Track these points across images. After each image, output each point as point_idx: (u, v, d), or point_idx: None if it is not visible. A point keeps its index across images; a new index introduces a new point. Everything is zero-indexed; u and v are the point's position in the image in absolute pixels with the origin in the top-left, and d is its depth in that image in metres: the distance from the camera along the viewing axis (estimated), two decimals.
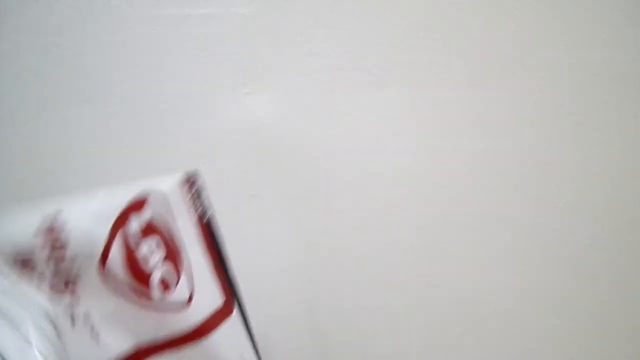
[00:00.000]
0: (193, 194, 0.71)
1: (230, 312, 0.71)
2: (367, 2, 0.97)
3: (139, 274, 0.64)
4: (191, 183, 0.71)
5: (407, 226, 0.99)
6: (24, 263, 0.62)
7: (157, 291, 0.64)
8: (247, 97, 0.99)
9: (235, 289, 0.74)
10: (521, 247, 0.99)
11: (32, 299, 0.62)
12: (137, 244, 0.64)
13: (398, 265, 1.00)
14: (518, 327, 1.00)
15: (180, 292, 0.66)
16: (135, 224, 0.65)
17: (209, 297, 0.69)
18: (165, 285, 0.65)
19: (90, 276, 0.63)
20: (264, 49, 0.98)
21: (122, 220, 0.64)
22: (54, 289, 0.63)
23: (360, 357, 1.01)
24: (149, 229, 0.66)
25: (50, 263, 0.62)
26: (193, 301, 0.67)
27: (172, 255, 0.67)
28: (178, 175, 0.70)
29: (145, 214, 0.66)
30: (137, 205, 0.66)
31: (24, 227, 0.62)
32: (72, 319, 0.63)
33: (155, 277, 0.64)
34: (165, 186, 0.69)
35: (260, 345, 0.72)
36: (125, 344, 0.66)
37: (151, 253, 0.65)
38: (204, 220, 0.71)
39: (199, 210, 0.71)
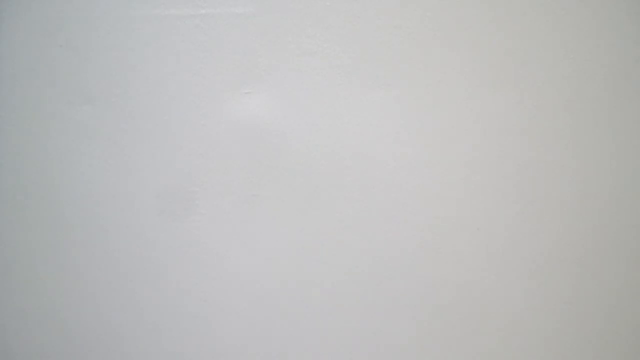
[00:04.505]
0: None
1: None
2: (367, 2, 0.97)
3: None
4: None
5: (407, 226, 0.99)
6: None
7: None
8: (247, 97, 0.99)
9: None
10: (523, 248, 0.99)
11: None
12: None
13: (398, 265, 1.00)
14: (519, 327, 1.00)
15: None
16: None
17: None
18: None
19: None
20: (263, 49, 0.98)
21: None
22: None
23: (360, 357, 1.01)
24: None
25: None
26: None
27: None
28: None
29: None
30: None
31: None
32: None
33: None
34: None
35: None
36: None
37: None
38: None
39: None
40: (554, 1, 0.96)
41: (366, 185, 0.99)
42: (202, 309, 1.02)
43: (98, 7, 1.00)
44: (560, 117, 0.98)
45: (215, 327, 1.02)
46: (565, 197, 0.98)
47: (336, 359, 1.02)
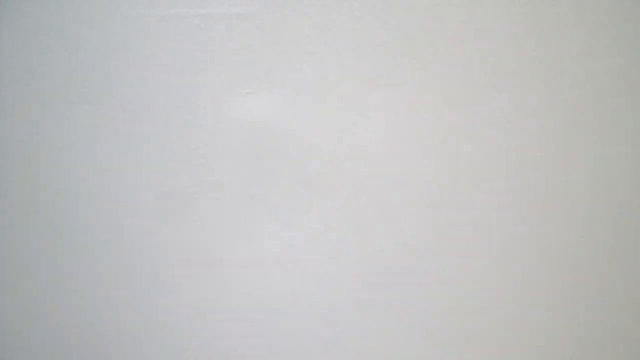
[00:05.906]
0: None
1: None
2: (367, 2, 0.97)
3: None
4: None
5: (407, 226, 0.99)
6: None
7: None
8: (247, 97, 0.99)
9: None
10: (523, 248, 0.99)
11: None
12: None
13: (398, 266, 1.00)
14: (518, 327, 1.00)
15: None
16: None
17: None
18: None
19: None
20: (264, 49, 0.98)
21: None
22: None
23: (359, 357, 1.01)
24: None
25: None
26: None
27: None
28: None
29: None
30: None
31: None
32: None
33: None
34: None
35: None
36: None
37: None
38: None
39: None
40: (557, 0, 0.96)
41: (366, 186, 0.99)
42: (201, 309, 1.02)
43: (98, 7, 1.00)
44: (561, 117, 0.98)
45: (215, 328, 1.02)
46: (566, 197, 0.98)
47: (336, 359, 1.02)
